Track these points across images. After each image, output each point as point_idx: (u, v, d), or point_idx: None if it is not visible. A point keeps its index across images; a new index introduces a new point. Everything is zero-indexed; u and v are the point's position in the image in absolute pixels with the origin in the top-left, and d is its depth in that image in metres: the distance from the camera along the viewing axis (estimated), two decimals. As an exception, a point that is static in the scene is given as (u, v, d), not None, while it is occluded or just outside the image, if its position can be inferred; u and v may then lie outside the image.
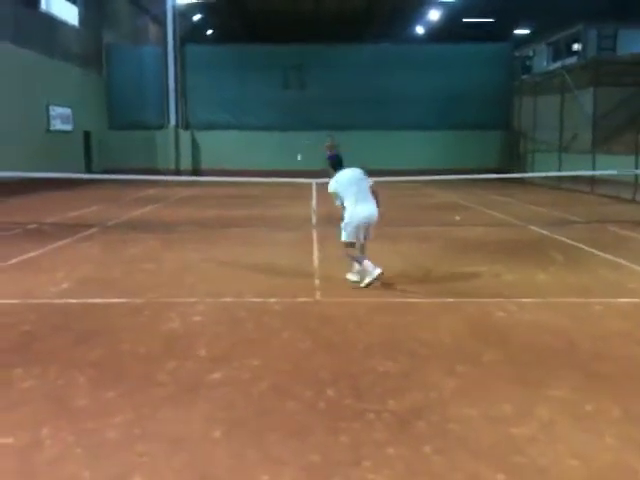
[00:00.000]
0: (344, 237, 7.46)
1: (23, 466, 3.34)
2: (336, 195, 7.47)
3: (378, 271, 7.19)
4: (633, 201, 16.40)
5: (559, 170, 22.44)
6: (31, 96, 22.39)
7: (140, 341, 5.37)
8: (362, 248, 7.55)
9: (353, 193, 7.36)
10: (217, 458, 3.43)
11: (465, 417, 3.90)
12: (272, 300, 6.71)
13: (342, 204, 7.47)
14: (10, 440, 3.61)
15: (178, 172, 28.83)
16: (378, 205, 7.48)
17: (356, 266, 7.50)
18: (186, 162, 29.82)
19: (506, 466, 3.33)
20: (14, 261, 8.83)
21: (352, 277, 7.53)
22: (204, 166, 29.75)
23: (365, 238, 7.55)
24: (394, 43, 32.63)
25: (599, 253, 9.54)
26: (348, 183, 7.41)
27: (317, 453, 3.47)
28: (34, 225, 12.60)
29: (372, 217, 7.43)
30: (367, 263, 7.30)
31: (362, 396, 4.22)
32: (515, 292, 7.10)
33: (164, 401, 4.14)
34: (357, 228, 7.39)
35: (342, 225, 7.46)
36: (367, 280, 7.26)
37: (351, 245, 7.50)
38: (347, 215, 7.39)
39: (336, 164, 7.63)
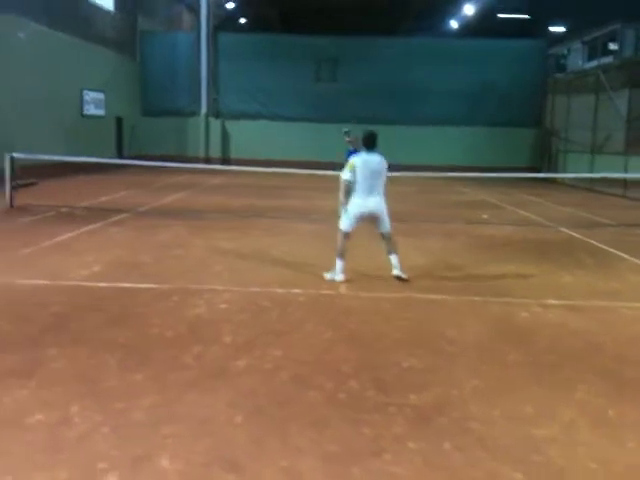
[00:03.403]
0: (341, 225, 7.43)
1: (52, 442, 3.45)
2: (352, 170, 7.22)
3: (339, 278, 7.28)
4: (666, 205, 16.15)
5: (591, 171, 22.13)
6: (66, 80, 22.65)
7: (168, 325, 5.47)
8: (387, 244, 7.49)
9: (366, 183, 7.20)
10: (238, 443, 3.50)
11: (486, 416, 3.93)
12: (297, 291, 6.78)
13: (348, 184, 7.26)
14: (41, 417, 3.72)
15: (207, 160, 29.01)
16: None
17: (396, 260, 7.42)
18: (216, 150, 29.97)
19: (525, 465, 3.35)
20: (46, 244, 9.02)
21: (398, 272, 7.42)
22: (233, 155, 29.87)
23: (384, 235, 7.45)
24: (428, 37, 32.36)
25: (628, 257, 9.43)
26: (369, 171, 7.19)
27: (336, 443, 3.52)
28: (66, 209, 12.82)
29: (376, 210, 7.29)
30: (339, 264, 7.32)
31: (384, 389, 4.26)
32: (541, 293, 7.07)
33: (189, 385, 4.24)
34: (356, 219, 7.33)
35: (343, 211, 7.39)
36: (328, 276, 7.36)
37: (346, 236, 7.39)
38: (350, 203, 7.30)
39: (369, 142, 7.31)
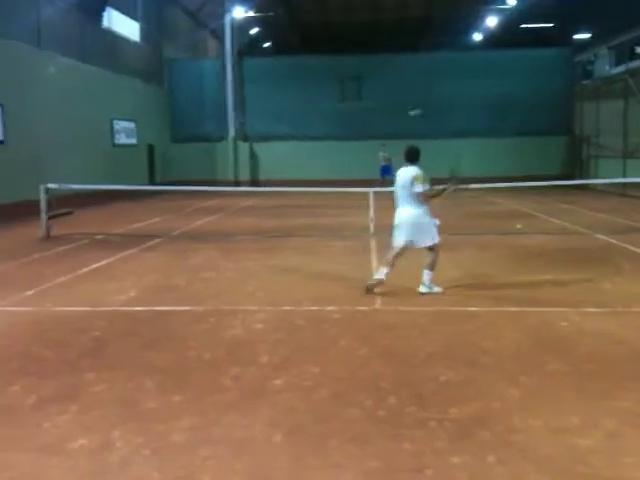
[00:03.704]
0: (394, 240, 7.58)
1: (95, 467, 3.48)
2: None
3: (377, 278, 7.43)
4: None
5: (624, 176, 21.78)
6: (97, 111, 23.18)
7: (204, 347, 5.51)
8: (426, 258, 7.45)
9: (398, 195, 7.50)
10: (279, 462, 3.49)
11: (528, 427, 3.86)
12: (331, 308, 6.77)
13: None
14: (83, 442, 3.76)
15: (237, 183, 29.29)
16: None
17: (426, 276, 7.42)
18: (244, 173, 30.27)
19: (570, 477, 3.28)
20: (84, 270, 9.18)
21: (424, 289, 7.44)
22: (262, 177, 30.15)
23: (428, 248, 7.42)
24: (452, 50, 32.37)
25: (668, 261, 9.24)
26: (398, 184, 7.49)
27: (378, 460, 3.48)
28: (102, 236, 13.06)
29: (406, 222, 7.37)
30: (384, 270, 7.44)
31: (423, 404, 4.22)
32: (579, 301, 6.95)
33: (228, 406, 4.25)
34: (400, 232, 7.43)
35: None
36: (369, 282, 7.49)
37: (397, 249, 7.44)
38: None
39: (405, 155, 7.50)
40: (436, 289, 7.41)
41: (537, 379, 4.66)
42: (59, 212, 13.34)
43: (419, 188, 7.24)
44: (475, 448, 3.60)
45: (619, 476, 3.29)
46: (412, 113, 12.42)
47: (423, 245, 7.42)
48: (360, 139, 29.27)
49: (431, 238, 7.37)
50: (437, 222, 7.42)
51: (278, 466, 3.45)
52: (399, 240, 7.45)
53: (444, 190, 7.64)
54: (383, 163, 25.06)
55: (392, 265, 7.47)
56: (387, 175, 23.81)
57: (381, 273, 7.44)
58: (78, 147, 21.43)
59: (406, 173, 7.38)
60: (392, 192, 7.74)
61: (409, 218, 7.35)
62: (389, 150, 24.75)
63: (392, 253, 7.51)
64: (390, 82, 29.58)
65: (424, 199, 7.32)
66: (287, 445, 3.69)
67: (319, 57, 31.33)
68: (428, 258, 7.43)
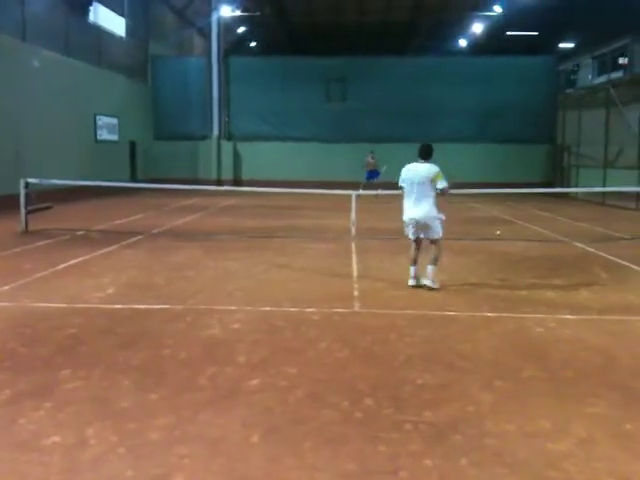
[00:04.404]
0: (405, 233, 7.96)
1: (69, 464, 3.46)
2: (401, 178, 7.84)
3: (409, 283, 7.85)
4: (680, 218, 16.01)
5: (603, 186, 22.05)
6: (80, 106, 22.99)
7: (181, 346, 5.49)
8: (431, 253, 7.81)
9: (410, 191, 7.70)
10: (254, 462, 3.50)
11: (502, 431, 3.90)
12: (310, 310, 6.78)
13: (401, 189, 7.91)
14: (57, 439, 3.73)
15: (219, 182, 29.20)
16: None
17: (430, 271, 7.77)
18: (227, 172, 30.19)
19: (542, 481, 3.32)
20: (62, 266, 9.10)
21: (428, 282, 7.79)
22: (245, 177, 30.08)
23: (431, 241, 7.82)
24: (437, 55, 32.56)
25: (643, 270, 9.36)
26: (410, 180, 7.69)
27: (353, 461, 3.50)
28: (82, 232, 12.94)
29: (420, 219, 7.70)
30: (410, 269, 7.85)
31: (400, 407, 4.24)
32: (556, 308, 7.02)
33: (204, 405, 4.24)
34: (411, 226, 7.79)
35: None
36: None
37: (413, 242, 7.87)
38: (403, 209, 7.89)
39: (419, 152, 7.76)
40: (437, 285, 7.75)
41: (512, 384, 4.70)
42: (38, 206, 13.22)
43: (443, 184, 7.63)
44: (449, 451, 3.63)
45: (590, 480, 3.34)
46: (383, 170, 12.56)
47: (430, 237, 7.80)
48: (345, 141, 29.36)
49: (437, 232, 7.76)
50: (443, 217, 7.82)
51: (254, 466, 3.45)
52: (409, 232, 7.86)
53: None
54: (368, 168, 24.86)
55: (415, 261, 7.88)
56: (372, 179, 23.86)
57: (410, 277, 7.86)
58: (61, 142, 21.26)
59: (423, 170, 7.65)
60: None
61: (426, 215, 7.68)
62: (376, 154, 24.87)
63: (410, 251, 7.90)
64: (375, 85, 29.68)
65: (446, 192, 7.66)
66: (263, 446, 3.69)
67: (305, 57, 31.36)
68: (431, 253, 7.80)
